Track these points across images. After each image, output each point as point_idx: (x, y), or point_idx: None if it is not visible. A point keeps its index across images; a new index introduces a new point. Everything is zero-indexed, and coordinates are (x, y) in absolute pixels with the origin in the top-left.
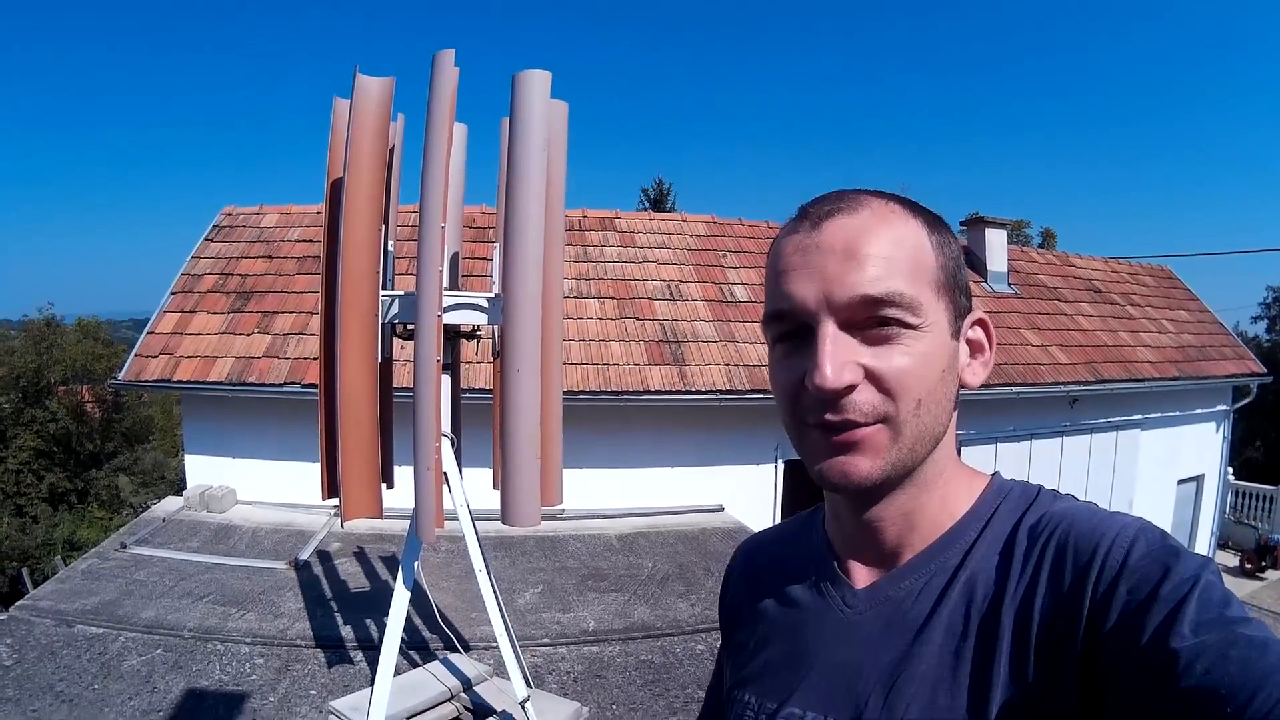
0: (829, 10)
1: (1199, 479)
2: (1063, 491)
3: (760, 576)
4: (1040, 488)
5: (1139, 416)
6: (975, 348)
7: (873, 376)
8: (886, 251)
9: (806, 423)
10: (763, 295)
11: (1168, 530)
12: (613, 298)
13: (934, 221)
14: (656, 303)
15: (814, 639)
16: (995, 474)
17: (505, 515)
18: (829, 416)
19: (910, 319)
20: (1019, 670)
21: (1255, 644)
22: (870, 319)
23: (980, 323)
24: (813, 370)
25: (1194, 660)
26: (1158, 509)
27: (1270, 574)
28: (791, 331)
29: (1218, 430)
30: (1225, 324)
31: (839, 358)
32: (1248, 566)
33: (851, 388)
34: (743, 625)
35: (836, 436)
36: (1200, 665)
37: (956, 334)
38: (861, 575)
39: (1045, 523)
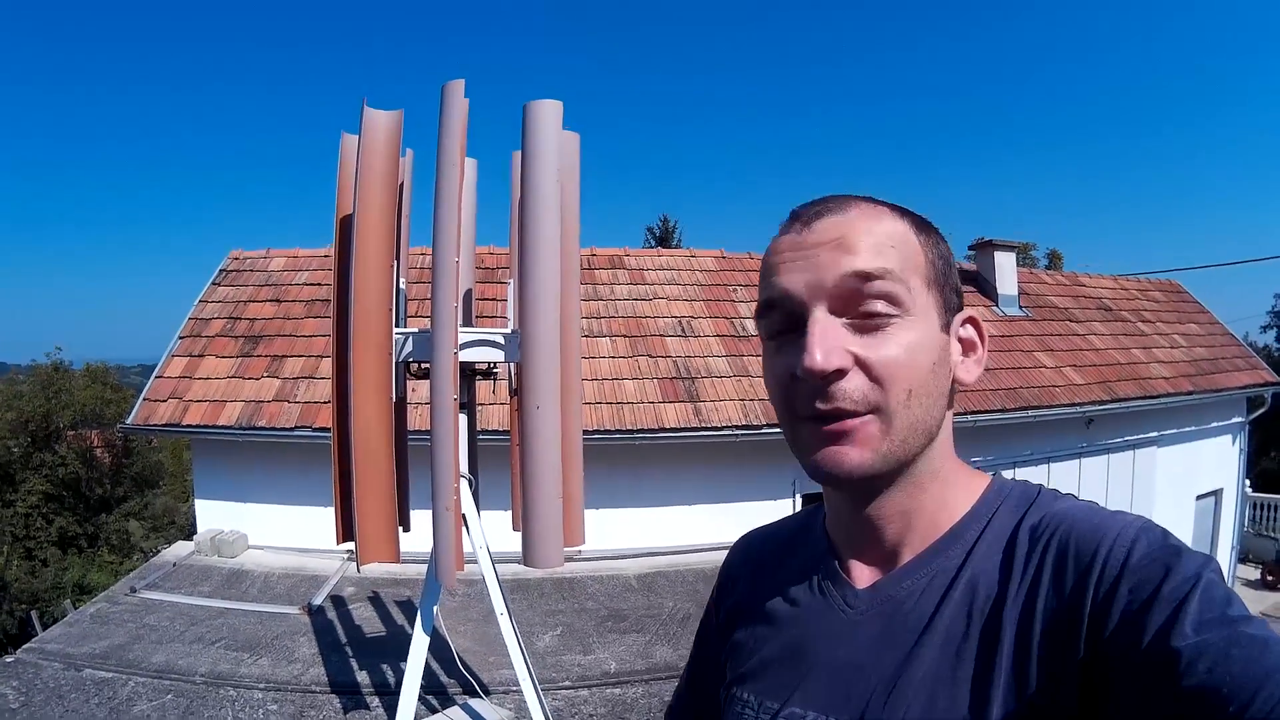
0: (827, 42)
1: (1217, 493)
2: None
3: (760, 573)
4: (1040, 488)
5: (1155, 434)
6: (968, 346)
7: (863, 365)
8: (875, 241)
9: (799, 416)
10: None
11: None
12: (624, 335)
13: (921, 223)
14: (669, 339)
15: (815, 638)
16: (995, 474)
17: (527, 557)
18: (819, 405)
19: (901, 298)
20: (1021, 671)
21: (1257, 643)
22: (860, 303)
23: (971, 320)
24: (802, 355)
25: (1196, 659)
26: (1177, 526)
27: None
28: (783, 327)
29: (1234, 443)
30: (1236, 335)
31: (828, 343)
32: (1269, 579)
33: (841, 373)
34: (742, 622)
35: (828, 427)
36: (1202, 664)
37: (946, 328)
38: (862, 575)
39: (1046, 523)
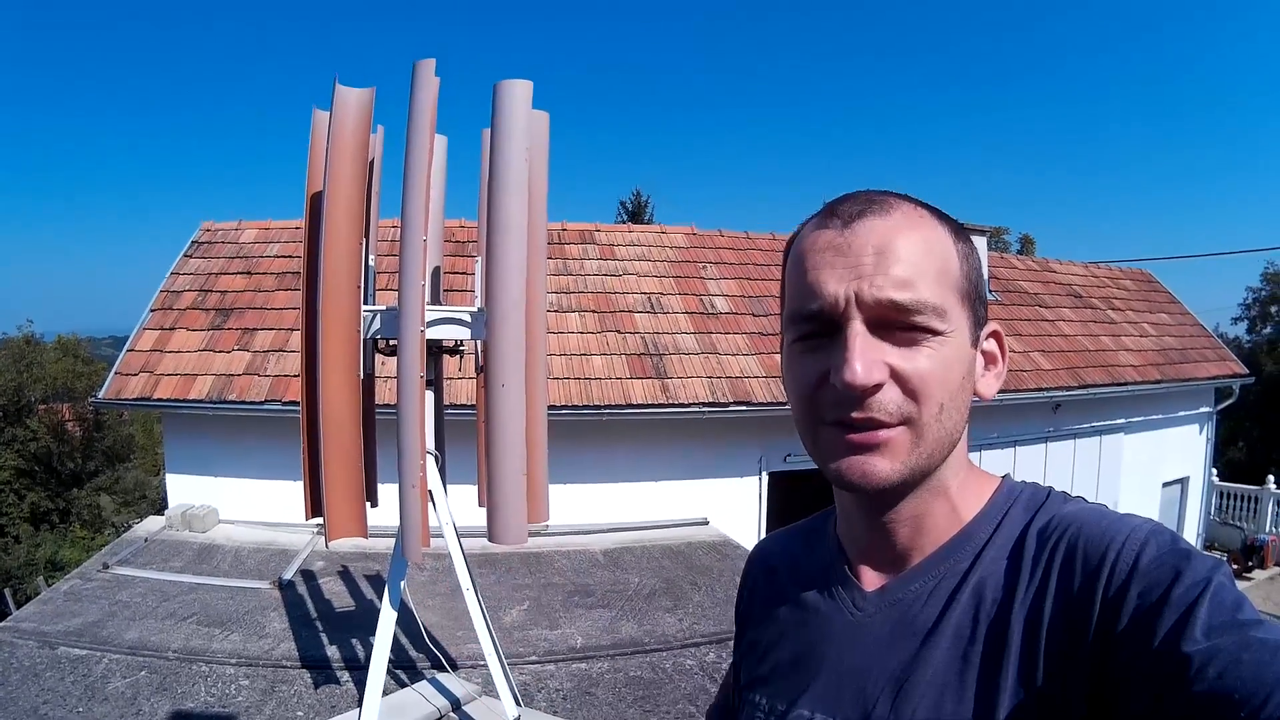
0: (802, 22)
1: (1184, 481)
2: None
3: (774, 577)
4: (1051, 490)
5: (1122, 420)
6: (989, 359)
7: (899, 377)
8: (917, 257)
9: (823, 420)
10: (744, 308)
11: None
12: (593, 311)
13: (959, 230)
14: (637, 315)
15: (824, 641)
16: (1005, 476)
17: (492, 533)
18: (853, 415)
19: (937, 325)
20: (1028, 674)
21: (1268, 647)
22: (899, 318)
23: (995, 335)
24: (842, 367)
25: (1206, 664)
26: (1143, 512)
27: (1257, 574)
28: (816, 331)
29: (1201, 432)
30: (1206, 326)
31: (869, 356)
32: (1234, 567)
33: (878, 386)
34: (756, 625)
35: (857, 435)
36: (1212, 669)
37: (975, 342)
38: (871, 578)
39: (1055, 526)
